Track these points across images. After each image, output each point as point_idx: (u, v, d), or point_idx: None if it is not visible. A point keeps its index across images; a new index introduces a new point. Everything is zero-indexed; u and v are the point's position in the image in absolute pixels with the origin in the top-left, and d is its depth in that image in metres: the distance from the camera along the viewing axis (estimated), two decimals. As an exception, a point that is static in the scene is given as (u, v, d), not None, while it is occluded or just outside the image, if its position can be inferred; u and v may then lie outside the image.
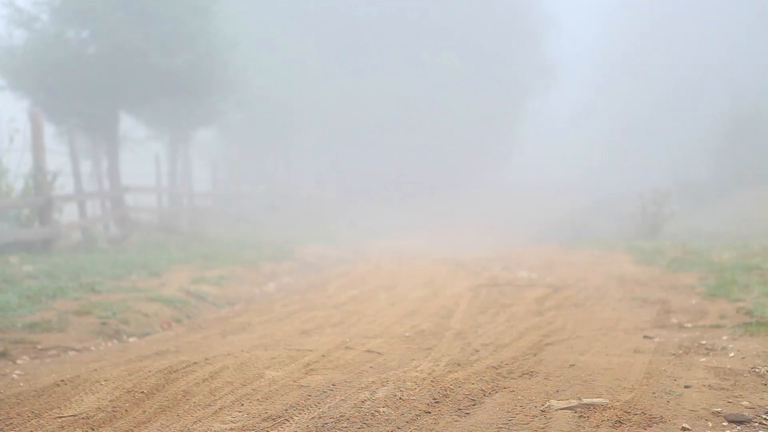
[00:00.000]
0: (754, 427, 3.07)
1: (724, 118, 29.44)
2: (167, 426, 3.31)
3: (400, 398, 3.60)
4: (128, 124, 19.16)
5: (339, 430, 3.16)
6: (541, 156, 43.07)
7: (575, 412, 3.31)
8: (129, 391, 3.72)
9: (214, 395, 3.67)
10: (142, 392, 3.73)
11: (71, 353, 5.32)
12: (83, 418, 3.37)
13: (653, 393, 3.56)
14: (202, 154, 26.44)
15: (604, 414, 3.26)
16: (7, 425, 3.18)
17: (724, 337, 4.98)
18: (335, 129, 31.81)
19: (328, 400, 3.60)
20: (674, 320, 5.85)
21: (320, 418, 3.32)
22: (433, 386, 3.79)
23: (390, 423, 3.23)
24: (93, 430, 3.21)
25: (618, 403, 3.40)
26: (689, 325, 5.60)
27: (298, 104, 28.12)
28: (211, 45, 17.17)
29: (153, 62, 15.94)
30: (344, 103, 30.92)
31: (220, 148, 28.78)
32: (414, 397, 3.61)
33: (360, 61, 33.34)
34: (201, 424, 3.33)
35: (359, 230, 23.19)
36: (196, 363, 4.28)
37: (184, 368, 4.15)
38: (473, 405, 3.49)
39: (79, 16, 15.86)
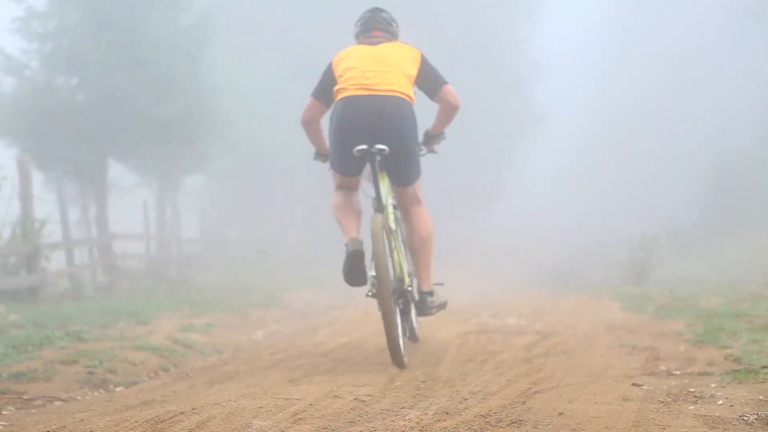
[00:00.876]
0: (743, 476, 3.07)
1: (710, 168, 29.84)
2: (153, 478, 3.28)
3: (389, 448, 3.58)
4: (117, 171, 19.22)
5: (327, 481, 3.14)
6: (529, 202, 43.23)
7: (564, 461, 3.31)
8: (115, 442, 3.69)
9: (201, 446, 3.64)
10: (129, 443, 3.71)
11: (57, 403, 5.28)
12: (68, 470, 3.34)
13: (642, 442, 3.56)
14: (191, 200, 26.45)
15: (592, 464, 3.25)
16: (-9, 478, 3.15)
17: (713, 385, 4.98)
18: (323, 170, 31.83)
19: (316, 451, 3.58)
20: (663, 367, 5.85)
21: (308, 469, 3.30)
22: (421, 436, 3.78)
23: (378, 474, 3.22)
24: (78, 482, 3.18)
25: (607, 453, 3.39)
26: (677, 372, 5.60)
27: (285, 148, 28.04)
28: (199, 92, 17.30)
29: (142, 109, 16.06)
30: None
31: (209, 193, 28.79)
32: (402, 447, 3.59)
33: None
34: (187, 475, 3.30)
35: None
36: (182, 413, 4.24)
37: (170, 418, 4.12)
38: (462, 455, 3.47)
39: (68, 63, 15.99)
